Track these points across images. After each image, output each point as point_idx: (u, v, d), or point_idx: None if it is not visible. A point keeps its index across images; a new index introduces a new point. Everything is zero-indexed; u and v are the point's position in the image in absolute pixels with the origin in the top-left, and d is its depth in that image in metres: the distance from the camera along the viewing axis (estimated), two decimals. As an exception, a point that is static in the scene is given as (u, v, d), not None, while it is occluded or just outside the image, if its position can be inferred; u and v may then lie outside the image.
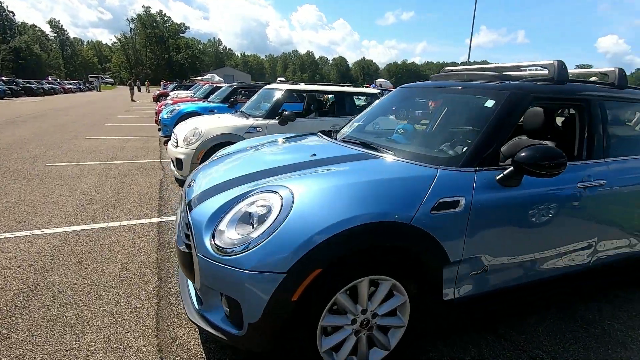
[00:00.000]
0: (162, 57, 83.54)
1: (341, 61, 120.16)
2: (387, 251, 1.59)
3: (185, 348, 1.88)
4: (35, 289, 2.33)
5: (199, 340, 1.94)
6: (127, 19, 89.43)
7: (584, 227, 2.14)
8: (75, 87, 40.56)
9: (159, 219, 3.61)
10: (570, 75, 2.23)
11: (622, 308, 2.45)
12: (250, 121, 5.05)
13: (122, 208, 3.88)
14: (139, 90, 37.08)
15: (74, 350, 1.81)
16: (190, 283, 1.87)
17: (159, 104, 11.08)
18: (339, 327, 1.61)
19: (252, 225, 1.53)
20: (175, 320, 2.09)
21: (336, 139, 2.55)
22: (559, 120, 2.77)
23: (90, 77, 56.58)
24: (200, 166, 2.57)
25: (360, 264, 1.54)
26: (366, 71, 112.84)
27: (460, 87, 2.45)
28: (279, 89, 5.60)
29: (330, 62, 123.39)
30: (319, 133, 2.82)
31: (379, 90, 6.73)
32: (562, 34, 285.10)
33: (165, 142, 7.89)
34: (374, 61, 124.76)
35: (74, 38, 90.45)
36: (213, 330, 1.58)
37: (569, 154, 2.10)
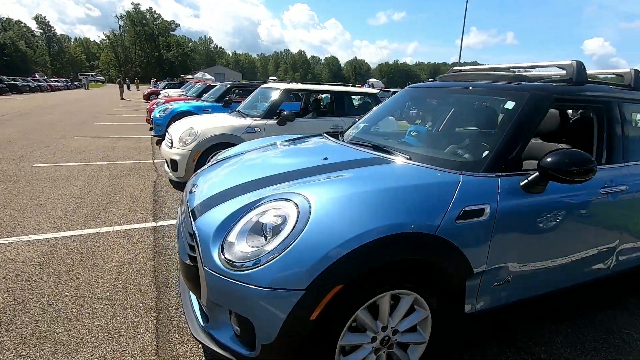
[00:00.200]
0: (152, 55, 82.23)
1: (333, 61, 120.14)
2: (412, 264, 1.49)
3: (189, 367, 1.74)
4: (23, 302, 2.16)
5: (204, 359, 1.80)
6: (116, 16, 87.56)
7: (605, 234, 2.06)
8: (62, 84, 39.62)
9: (154, 224, 3.44)
10: None
11: (639, 315, 2.39)
12: (248, 121, 4.90)
13: (114, 212, 3.71)
14: (129, 89, 36.50)
15: (66, 372, 1.66)
16: (193, 297, 1.73)
17: (150, 102, 10.82)
18: (358, 345, 1.50)
19: (265, 237, 1.41)
20: (177, 335, 1.95)
21: (345, 141, 2.44)
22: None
23: (80, 74, 55.41)
24: (201, 170, 2.41)
25: (384, 277, 1.43)
26: (358, 71, 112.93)
27: (475, 88, 2.35)
28: (276, 88, 5.46)
29: (322, 61, 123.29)
30: (325, 134, 2.70)
31: (378, 90, 6.63)
32: (549, 35, 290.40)
33: (158, 142, 7.69)
34: (365, 61, 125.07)
35: (61, 35, 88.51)
36: (221, 350, 1.45)
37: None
